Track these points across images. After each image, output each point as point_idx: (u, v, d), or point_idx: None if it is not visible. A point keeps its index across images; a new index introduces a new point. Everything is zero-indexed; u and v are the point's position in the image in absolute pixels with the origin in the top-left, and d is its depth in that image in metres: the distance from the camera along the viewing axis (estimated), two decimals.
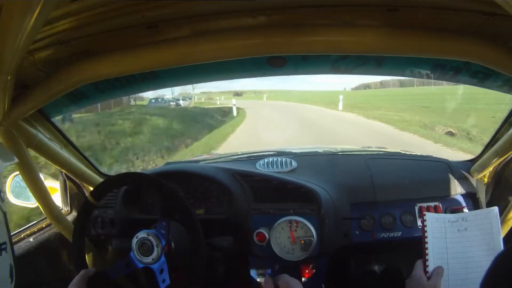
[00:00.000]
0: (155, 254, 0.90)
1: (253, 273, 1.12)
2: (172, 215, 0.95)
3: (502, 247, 0.78)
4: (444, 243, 0.81)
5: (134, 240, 0.92)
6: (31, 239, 1.16)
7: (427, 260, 0.80)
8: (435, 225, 0.82)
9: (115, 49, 0.83)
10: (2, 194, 0.60)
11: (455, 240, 0.81)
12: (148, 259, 0.91)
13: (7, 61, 0.63)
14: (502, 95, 1.03)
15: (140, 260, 0.91)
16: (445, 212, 1.10)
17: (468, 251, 0.79)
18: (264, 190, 1.14)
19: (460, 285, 0.78)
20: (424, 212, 0.84)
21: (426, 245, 0.81)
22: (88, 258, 1.25)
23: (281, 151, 1.41)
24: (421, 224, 0.84)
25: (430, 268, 0.79)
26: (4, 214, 0.60)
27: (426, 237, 0.81)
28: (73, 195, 1.33)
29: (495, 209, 0.80)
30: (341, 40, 0.79)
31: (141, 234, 0.91)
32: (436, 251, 0.81)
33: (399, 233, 1.12)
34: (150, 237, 0.90)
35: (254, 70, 1.06)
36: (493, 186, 1.18)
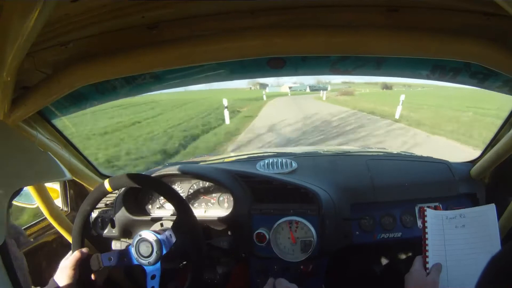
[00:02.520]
0: (152, 258, 0.90)
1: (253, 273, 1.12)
2: (185, 235, 0.95)
3: (499, 243, 0.78)
4: (443, 239, 0.82)
5: (137, 237, 0.92)
6: (31, 239, 1.16)
7: (427, 256, 0.80)
8: (434, 222, 0.83)
9: (115, 50, 0.83)
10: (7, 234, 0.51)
11: (453, 236, 0.82)
12: (145, 261, 0.91)
13: (7, 62, 0.63)
14: (502, 95, 1.03)
15: (136, 258, 0.91)
16: None
17: (466, 248, 0.80)
18: (264, 191, 1.14)
19: (458, 280, 0.78)
20: (425, 208, 0.84)
21: (426, 241, 0.81)
22: None
23: (281, 152, 1.41)
24: (421, 224, 0.85)
25: (429, 265, 0.80)
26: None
27: (426, 233, 0.82)
28: (73, 195, 1.33)
29: (493, 206, 0.81)
30: (340, 41, 0.79)
31: (147, 235, 0.91)
32: (435, 247, 0.81)
33: (399, 234, 1.12)
34: (153, 242, 0.90)
35: (254, 71, 1.06)
36: (493, 187, 1.18)
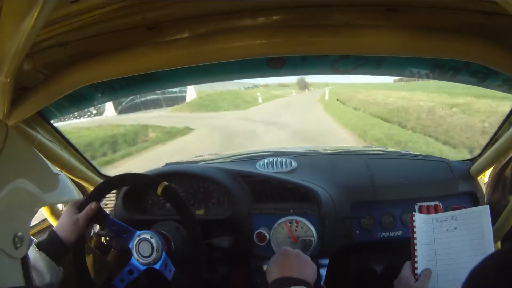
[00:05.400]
0: (154, 255, 0.90)
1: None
2: (186, 236, 0.96)
3: (492, 246, 0.76)
4: (433, 244, 0.80)
5: (136, 239, 0.91)
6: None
7: (415, 262, 0.79)
8: (423, 226, 0.81)
9: (115, 50, 0.83)
10: (16, 239, 0.55)
11: (444, 240, 0.80)
12: (149, 260, 0.91)
13: (7, 63, 0.63)
14: (501, 94, 1.03)
15: (142, 263, 0.91)
16: (445, 211, 1.10)
17: (458, 251, 0.78)
18: (264, 190, 1.14)
19: (449, 285, 0.77)
20: (413, 213, 0.82)
21: (415, 247, 0.80)
22: (88, 259, 1.25)
23: (281, 151, 1.41)
24: (410, 226, 0.83)
25: (419, 270, 0.79)
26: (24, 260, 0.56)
27: (415, 238, 0.80)
28: None
29: (486, 207, 0.79)
30: (340, 41, 0.79)
31: (147, 236, 0.91)
32: (425, 252, 0.80)
33: (399, 233, 1.13)
34: (153, 242, 0.91)
35: (253, 71, 1.06)
36: (493, 186, 1.18)
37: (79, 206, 0.93)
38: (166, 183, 0.94)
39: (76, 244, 0.92)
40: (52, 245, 0.85)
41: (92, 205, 0.92)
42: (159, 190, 0.93)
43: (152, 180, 0.97)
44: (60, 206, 1.29)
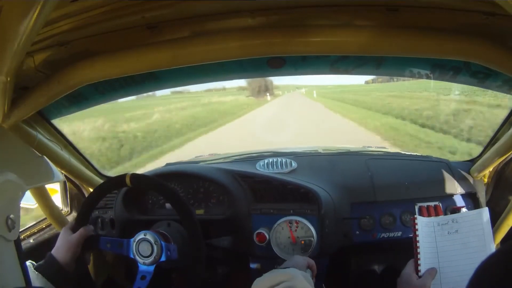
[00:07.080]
0: (149, 260, 0.90)
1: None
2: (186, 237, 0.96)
3: (493, 247, 0.78)
4: (435, 247, 0.81)
5: (140, 235, 0.92)
6: (31, 240, 1.16)
7: (419, 265, 0.80)
8: (425, 230, 0.82)
9: (115, 50, 0.83)
10: (9, 221, 0.60)
11: (445, 243, 0.81)
12: (141, 259, 0.91)
13: (7, 62, 0.63)
14: (502, 95, 1.03)
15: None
16: (445, 212, 1.10)
17: (460, 253, 0.79)
18: (264, 191, 1.14)
19: (453, 286, 0.78)
20: (415, 216, 0.83)
21: (418, 250, 0.81)
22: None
23: (281, 152, 1.41)
24: (412, 228, 0.84)
25: (422, 273, 0.79)
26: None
27: (417, 241, 0.81)
28: (73, 196, 1.33)
29: (486, 209, 0.80)
30: (340, 41, 0.79)
31: (151, 237, 0.91)
32: (428, 255, 0.81)
33: (399, 233, 1.13)
34: (155, 246, 0.91)
35: (253, 71, 1.06)
36: (493, 186, 1.18)
37: (72, 229, 0.95)
38: (130, 172, 0.96)
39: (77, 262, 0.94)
40: (49, 267, 0.87)
41: (82, 231, 0.94)
42: (127, 181, 0.94)
43: (118, 177, 0.98)
44: (59, 206, 1.29)
